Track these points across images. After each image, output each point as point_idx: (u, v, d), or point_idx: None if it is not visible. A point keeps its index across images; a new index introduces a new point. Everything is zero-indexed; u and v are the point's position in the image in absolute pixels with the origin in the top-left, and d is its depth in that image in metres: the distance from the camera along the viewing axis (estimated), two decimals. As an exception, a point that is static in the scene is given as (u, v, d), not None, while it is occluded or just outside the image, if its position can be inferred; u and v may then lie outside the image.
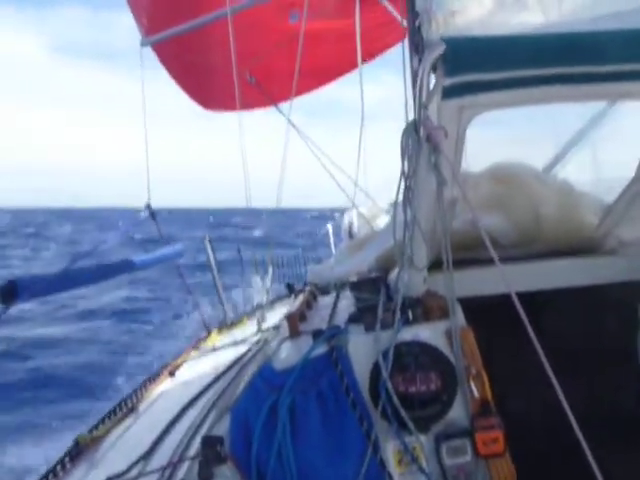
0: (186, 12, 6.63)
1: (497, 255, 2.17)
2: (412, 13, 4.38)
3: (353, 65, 6.94)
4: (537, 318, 2.91)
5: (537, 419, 2.83)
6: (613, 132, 3.97)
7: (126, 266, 4.96)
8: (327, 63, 7.06)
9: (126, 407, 3.60)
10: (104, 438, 3.15)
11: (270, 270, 5.17)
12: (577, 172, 4.20)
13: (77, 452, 3.08)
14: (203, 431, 2.46)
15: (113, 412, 3.59)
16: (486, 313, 2.59)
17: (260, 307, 4.72)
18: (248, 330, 5.00)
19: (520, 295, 2.05)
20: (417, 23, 4.09)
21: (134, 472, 2.37)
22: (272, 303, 5.43)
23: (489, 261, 2.11)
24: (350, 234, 7.14)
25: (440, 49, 2.27)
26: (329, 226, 8.93)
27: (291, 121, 6.18)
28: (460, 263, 2.91)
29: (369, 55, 7.33)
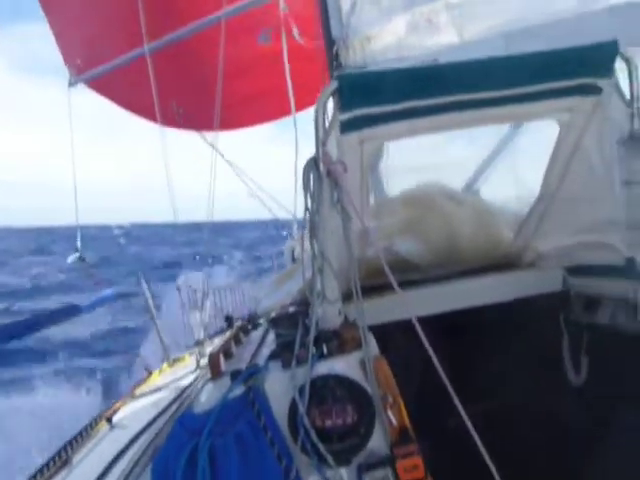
0: (118, 48, 6.65)
1: (415, 277, 2.22)
2: (328, 41, 4.45)
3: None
4: (461, 337, 2.98)
5: (454, 440, 2.88)
6: (528, 146, 4.09)
7: (63, 314, 4.89)
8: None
9: (59, 460, 3.52)
10: None
11: (207, 304, 5.14)
12: (498, 188, 4.32)
13: None
14: None
15: (46, 466, 3.51)
16: (402, 338, 2.64)
17: (199, 343, 4.67)
18: (188, 367, 4.95)
19: (439, 317, 2.10)
20: (334, 50, 4.15)
21: None
22: (212, 337, 5.39)
23: (404, 285, 2.15)
24: (293, 259, 7.17)
25: (333, 85, 2.32)
26: (272, 254, 8.94)
27: (218, 150, 6.20)
28: (379, 289, 2.96)
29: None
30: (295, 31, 6.05)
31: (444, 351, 1.98)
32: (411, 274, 3.19)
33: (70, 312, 4.89)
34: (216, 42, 5.47)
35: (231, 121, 7.29)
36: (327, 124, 2.37)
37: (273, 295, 4.03)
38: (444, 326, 2.14)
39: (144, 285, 5.85)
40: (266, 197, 6.48)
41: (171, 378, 4.88)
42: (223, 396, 2.26)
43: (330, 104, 2.41)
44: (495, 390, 3.28)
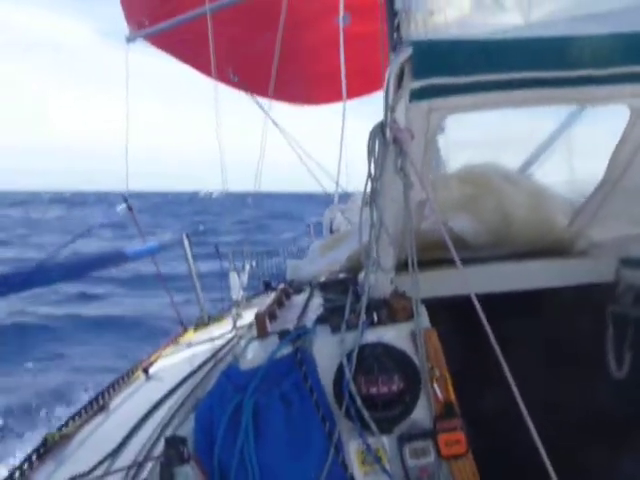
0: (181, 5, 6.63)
1: (466, 256, 2.19)
2: (391, 12, 4.40)
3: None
4: (507, 320, 2.95)
5: (500, 420, 2.86)
6: (587, 134, 4.00)
7: (105, 260, 4.95)
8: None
9: (97, 405, 3.59)
10: (73, 436, 3.14)
11: (247, 267, 5.17)
12: (552, 173, 4.24)
13: (45, 450, 3.07)
14: (170, 431, 2.47)
15: (84, 410, 3.58)
16: (453, 314, 2.62)
17: (236, 304, 4.71)
18: (224, 328, 5.00)
19: (488, 296, 2.07)
20: (396, 22, 4.11)
21: (99, 471, 2.37)
22: (250, 300, 5.44)
23: (454, 262, 2.12)
24: (331, 230, 7.15)
25: (407, 52, 2.28)
26: (310, 223, 8.94)
27: (274, 120, 6.19)
28: (429, 263, 2.93)
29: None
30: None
31: (480, 333, 1.96)
32: (462, 252, 3.15)
33: (116, 258, 4.97)
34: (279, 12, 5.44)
35: (287, 94, 7.26)
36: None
37: (317, 261, 4.02)
38: (494, 307, 2.10)
39: (186, 243, 5.91)
40: (313, 166, 6.44)
41: (207, 336, 4.95)
42: (271, 354, 2.27)
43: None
44: (536, 377, 3.25)
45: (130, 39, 6.86)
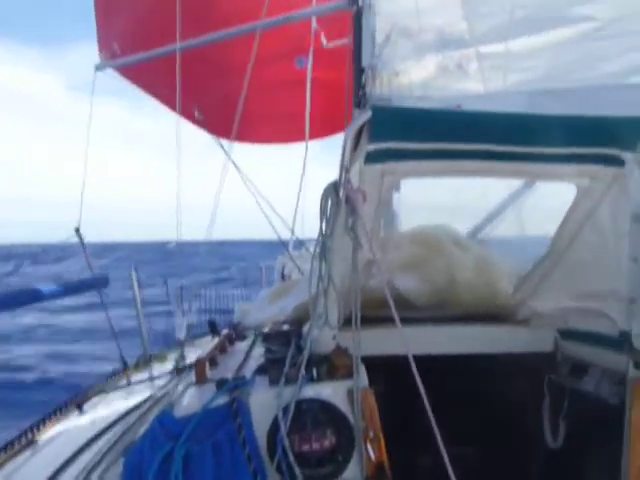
0: (154, 39, 6.66)
1: (410, 315, 2.23)
2: (358, 67, 4.48)
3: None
4: (445, 382, 2.98)
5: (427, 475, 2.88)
6: (535, 205, 4.12)
7: (52, 292, 4.80)
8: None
9: (26, 439, 3.48)
10: None
11: (193, 307, 5.13)
12: (501, 241, 4.35)
13: None
14: (97, 474, 2.41)
15: (10, 444, 3.47)
16: (391, 373, 2.64)
17: (180, 344, 4.64)
18: (165, 367, 4.92)
19: (427, 357, 2.09)
20: (363, 79, 4.19)
21: None
22: (194, 340, 5.36)
23: (401, 321, 2.15)
24: (283, 276, 7.15)
25: (366, 115, 2.33)
26: (262, 267, 8.92)
27: (232, 159, 6.22)
28: (374, 321, 2.96)
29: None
30: (324, 41, 6.12)
31: (428, 392, 1.99)
32: (406, 311, 3.19)
33: (32, 296, 4.68)
34: (249, 54, 5.52)
35: (249, 134, 7.31)
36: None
37: (265, 309, 4.02)
38: (430, 367, 2.13)
39: (134, 278, 5.82)
40: (270, 212, 6.45)
41: (147, 374, 4.86)
42: (206, 403, 2.25)
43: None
44: (469, 439, 3.27)
45: (99, 67, 6.85)
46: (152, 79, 7.13)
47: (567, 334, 3.24)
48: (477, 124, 2.50)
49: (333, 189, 2.33)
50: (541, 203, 4.06)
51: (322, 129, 7.25)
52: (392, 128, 2.39)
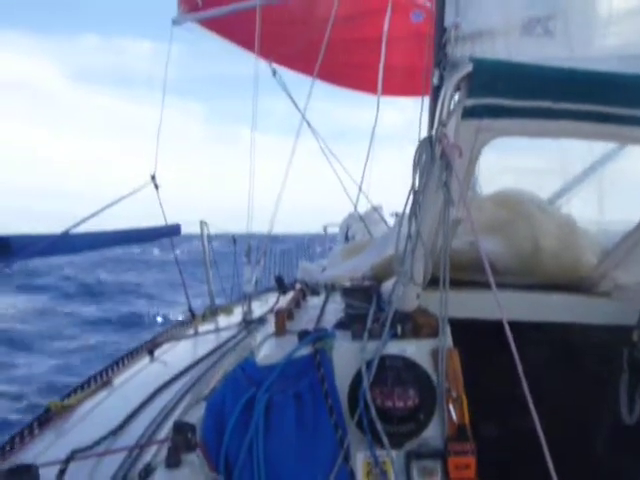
0: None
1: (495, 280, 2.16)
2: (439, 28, 4.37)
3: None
4: (524, 348, 2.91)
5: (511, 448, 2.83)
6: (621, 173, 3.97)
7: (124, 237, 4.91)
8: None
9: (101, 380, 3.57)
10: (76, 408, 3.13)
11: (262, 261, 5.14)
12: (581, 208, 4.21)
13: (47, 419, 3.06)
14: (174, 416, 2.44)
15: (87, 383, 3.56)
16: (475, 336, 2.59)
17: (247, 297, 4.68)
18: (233, 319, 4.97)
19: (510, 323, 2.04)
20: (444, 40, 4.08)
21: (101, 448, 2.34)
22: (260, 294, 5.41)
23: (484, 285, 2.10)
24: (346, 237, 7.13)
25: (467, 68, 2.26)
26: (325, 226, 8.91)
27: (308, 121, 6.15)
28: (455, 283, 2.91)
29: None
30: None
31: (506, 359, 1.94)
32: (485, 275, 3.13)
33: (122, 238, 4.86)
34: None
35: (330, 77, 7.25)
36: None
37: (338, 266, 4.00)
38: (515, 334, 2.08)
39: (204, 232, 5.88)
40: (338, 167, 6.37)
41: (214, 325, 4.92)
42: (290, 353, 2.24)
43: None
44: (546, 410, 3.21)
45: (176, 22, 6.84)
46: (231, 31, 7.11)
47: None
48: (580, 82, 2.39)
49: (428, 143, 2.27)
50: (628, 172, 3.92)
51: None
52: (493, 82, 2.30)
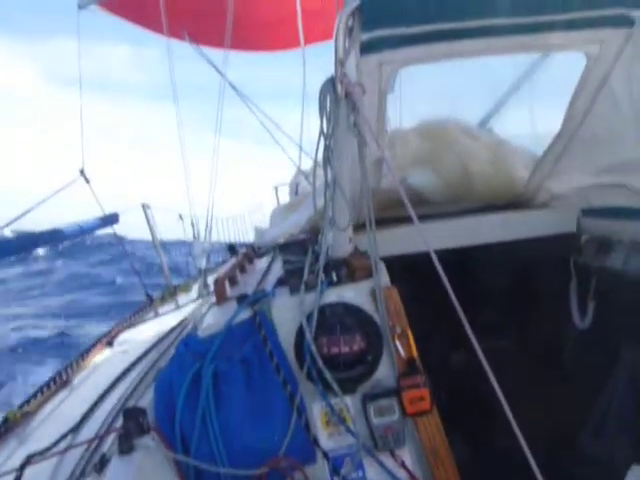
0: None
1: (426, 212, 2.16)
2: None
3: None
4: (467, 273, 2.93)
5: (463, 374, 2.86)
6: (547, 84, 3.95)
7: (65, 233, 4.82)
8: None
9: (60, 380, 3.53)
10: (35, 413, 3.09)
11: (209, 233, 5.09)
12: (513, 126, 4.19)
13: (6, 429, 3.01)
14: (131, 403, 2.43)
15: (46, 387, 3.52)
16: (413, 271, 2.59)
17: (201, 272, 4.64)
18: (190, 296, 4.95)
19: (448, 251, 2.03)
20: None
21: (61, 446, 2.32)
22: (217, 267, 5.38)
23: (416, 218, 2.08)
24: (297, 194, 7.08)
25: (355, 2, 2.20)
26: (275, 186, 8.84)
27: (226, 77, 6.04)
28: (389, 221, 2.89)
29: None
30: None
31: (453, 287, 1.93)
32: (422, 208, 3.12)
33: (53, 236, 4.79)
34: None
35: (242, 42, 7.12)
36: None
37: (279, 225, 3.97)
38: (453, 262, 2.07)
39: (149, 215, 5.80)
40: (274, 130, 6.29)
41: (172, 305, 4.89)
42: (229, 320, 2.22)
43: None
44: (499, 329, 3.25)
45: (81, 5, 6.64)
46: (134, 6, 6.94)
47: (589, 212, 3.16)
48: None
49: (331, 85, 2.22)
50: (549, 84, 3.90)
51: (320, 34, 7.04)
52: (384, 13, 2.26)
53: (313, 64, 6.51)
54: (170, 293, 5.40)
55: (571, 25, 2.48)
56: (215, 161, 4.98)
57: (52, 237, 4.66)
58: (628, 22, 2.51)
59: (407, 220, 2.60)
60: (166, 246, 6.05)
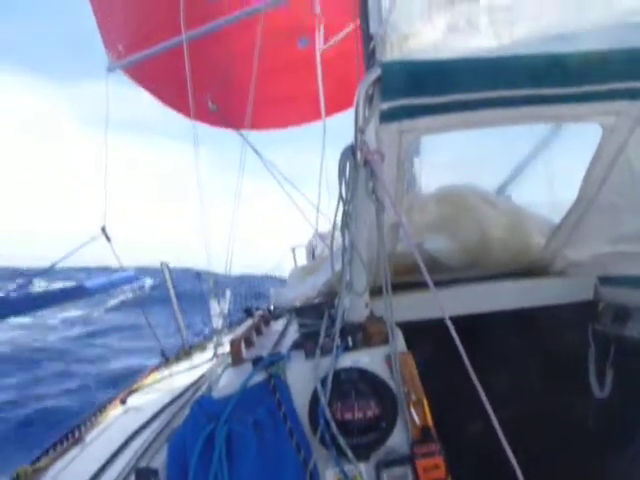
0: (157, 34, 6.68)
1: (443, 278, 2.17)
2: (366, 36, 4.42)
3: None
4: (485, 341, 2.92)
5: (477, 441, 2.82)
6: (563, 153, 4.00)
7: (76, 292, 4.87)
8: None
9: (72, 437, 3.51)
10: (46, 470, 3.07)
11: (228, 294, 5.12)
12: (531, 193, 4.24)
13: None
14: (144, 462, 2.41)
15: (59, 443, 3.51)
16: (429, 337, 2.58)
17: (217, 331, 4.66)
18: (205, 356, 4.93)
19: (465, 317, 2.04)
20: (371, 46, 4.12)
21: None
22: (231, 327, 5.38)
23: (432, 283, 2.10)
24: (313, 257, 7.13)
25: (376, 72, 2.27)
26: (293, 247, 8.89)
27: (253, 146, 6.17)
28: (406, 287, 2.91)
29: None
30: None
31: (468, 354, 1.92)
32: (439, 274, 3.13)
33: (77, 292, 4.87)
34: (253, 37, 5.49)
35: (264, 120, 7.29)
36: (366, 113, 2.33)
37: (297, 288, 3.99)
38: (468, 328, 2.07)
39: (166, 274, 5.84)
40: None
41: (188, 365, 4.88)
42: (244, 382, 2.22)
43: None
44: (517, 398, 3.21)
45: (110, 69, 6.86)
46: (159, 76, 7.14)
47: (607, 280, 3.15)
48: (493, 69, 2.42)
49: (350, 152, 2.27)
50: (569, 153, 3.96)
51: (331, 109, 7.22)
52: (404, 83, 2.32)
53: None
54: (186, 352, 5.40)
55: (587, 97, 2.54)
56: (232, 231, 5.06)
57: (71, 294, 4.72)
58: None
59: (423, 285, 2.62)
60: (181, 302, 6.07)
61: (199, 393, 3.02)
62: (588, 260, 3.23)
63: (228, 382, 2.36)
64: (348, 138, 2.32)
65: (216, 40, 6.54)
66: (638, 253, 2.89)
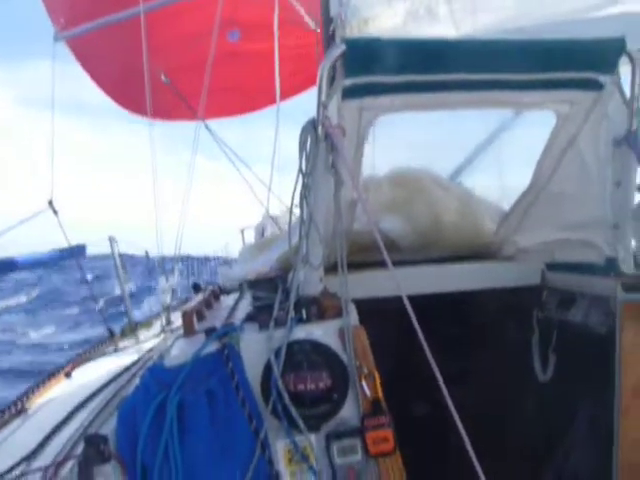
0: (105, 8, 6.53)
1: (395, 258, 2.19)
2: (327, 18, 4.40)
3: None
4: (432, 321, 2.97)
5: (426, 419, 2.88)
6: (516, 142, 4.08)
7: (28, 263, 4.77)
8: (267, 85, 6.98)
9: (15, 408, 3.44)
10: None
11: (176, 270, 5.08)
12: (483, 180, 4.32)
13: None
14: (92, 431, 2.38)
15: (0, 413, 3.43)
16: (381, 315, 2.62)
17: (164, 308, 4.61)
18: (153, 331, 4.90)
19: (416, 298, 2.06)
20: (331, 28, 4.10)
21: (16, 472, 2.26)
22: (179, 305, 5.34)
23: (383, 264, 2.12)
24: (263, 236, 7.10)
25: (340, 49, 2.29)
26: (242, 229, 8.85)
27: (208, 126, 6.11)
28: (360, 265, 2.93)
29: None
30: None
31: (407, 334, 1.96)
32: (391, 254, 3.16)
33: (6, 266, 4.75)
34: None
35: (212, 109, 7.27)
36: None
37: (247, 264, 3.99)
38: (420, 309, 2.11)
39: (114, 248, 5.76)
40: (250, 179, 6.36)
41: (134, 340, 4.83)
42: (197, 351, 2.21)
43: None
44: (462, 378, 3.28)
45: (56, 39, 6.68)
46: (99, 52, 7.00)
47: (553, 266, 3.23)
48: (455, 52, 2.46)
49: (311, 126, 2.28)
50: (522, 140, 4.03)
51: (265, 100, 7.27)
52: (368, 61, 2.34)
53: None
54: (131, 329, 5.33)
55: (545, 84, 2.60)
56: (185, 207, 5.02)
57: (6, 267, 4.60)
58: (597, 86, 2.64)
59: (376, 264, 2.65)
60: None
61: (150, 364, 2.99)
62: (536, 246, 3.31)
63: (180, 352, 2.35)
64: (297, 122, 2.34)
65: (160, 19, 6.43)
66: (584, 240, 2.96)
